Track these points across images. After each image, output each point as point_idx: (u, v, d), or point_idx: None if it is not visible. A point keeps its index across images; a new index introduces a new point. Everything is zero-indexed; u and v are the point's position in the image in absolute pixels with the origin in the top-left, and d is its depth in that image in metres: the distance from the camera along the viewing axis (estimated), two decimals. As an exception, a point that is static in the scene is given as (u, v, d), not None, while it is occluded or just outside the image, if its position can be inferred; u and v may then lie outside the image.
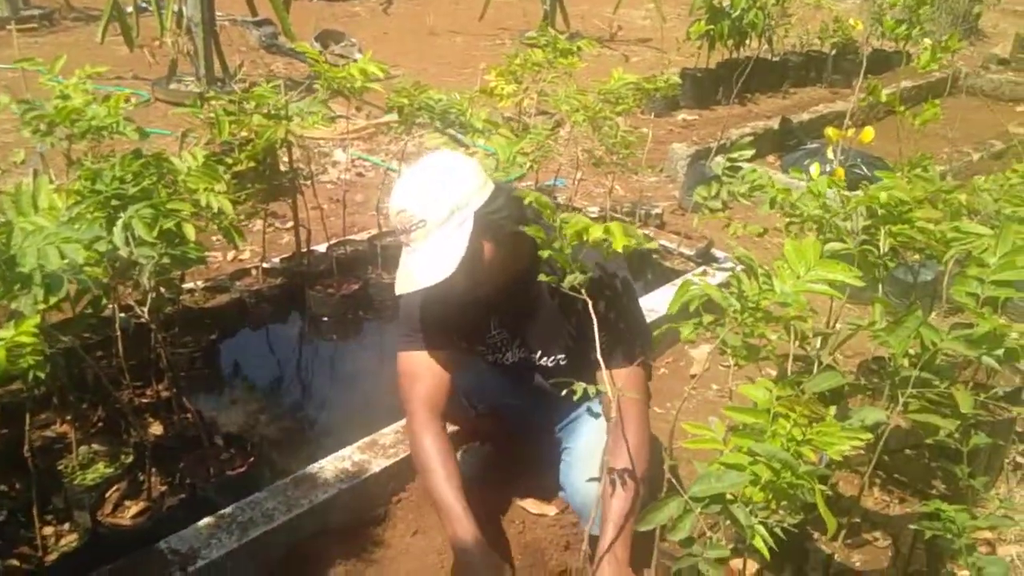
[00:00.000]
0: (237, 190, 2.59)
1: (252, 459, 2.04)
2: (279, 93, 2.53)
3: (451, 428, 2.01)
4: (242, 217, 2.69)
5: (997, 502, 1.96)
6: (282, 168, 2.86)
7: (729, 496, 1.14)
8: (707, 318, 1.52)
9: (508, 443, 2.20)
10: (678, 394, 2.77)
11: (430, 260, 1.57)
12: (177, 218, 1.86)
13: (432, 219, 1.55)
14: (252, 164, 2.45)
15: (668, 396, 2.77)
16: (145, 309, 1.81)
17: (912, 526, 1.56)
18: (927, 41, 3.74)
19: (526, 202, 1.58)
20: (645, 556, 1.52)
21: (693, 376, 2.86)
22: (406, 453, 2.11)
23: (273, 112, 2.52)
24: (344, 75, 2.39)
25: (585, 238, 1.40)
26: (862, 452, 1.87)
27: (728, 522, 1.15)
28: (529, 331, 1.89)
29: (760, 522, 1.13)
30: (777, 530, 1.14)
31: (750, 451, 1.11)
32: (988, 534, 2.07)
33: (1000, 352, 1.67)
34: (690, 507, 1.09)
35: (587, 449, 1.89)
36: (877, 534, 1.84)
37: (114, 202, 1.77)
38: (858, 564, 1.76)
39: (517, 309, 1.85)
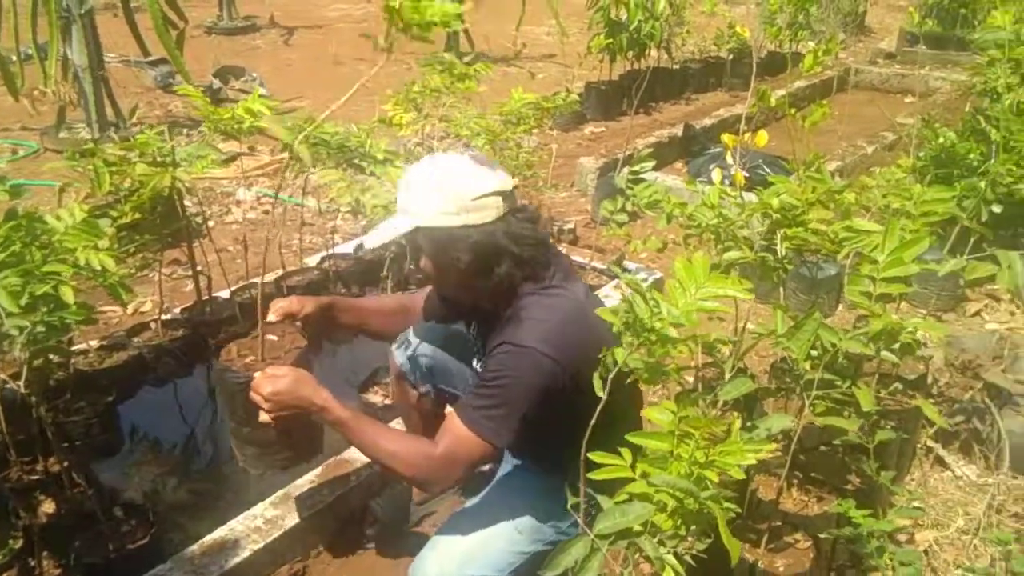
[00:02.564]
0: (127, 243, 2.47)
1: (154, 528, 1.92)
2: (164, 139, 2.43)
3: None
4: (133, 270, 2.57)
5: (908, 493, 2.00)
6: (184, 212, 2.75)
7: (637, 527, 1.11)
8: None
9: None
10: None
11: (376, 231, 1.68)
12: (55, 281, 1.75)
13: (399, 203, 1.63)
14: (139, 216, 2.34)
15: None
16: (21, 383, 1.68)
17: (828, 532, 1.57)
18: (811, 44, 3.86)
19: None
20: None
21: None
22: (323, 504, 2.03)
23: (159, 159, 2.41)
24: (229, 116, 2.31)
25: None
26: (779, 454, 1.89)
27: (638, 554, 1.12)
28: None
29: (670, 551, 1.10)
30: (687, 558, 1.12)
31: (650, 483, 1.09)
32: (907, 521, 2.11)
33: (896, 346, 1.71)
34: (597, 546, 1.05)
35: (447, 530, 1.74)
36: (798, 536, 1.84)
37: (-21, 270, 1.66)
38: (782, 569, 1.76)
39: (487, 328, 1.77)
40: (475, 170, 1.59)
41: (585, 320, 1.62)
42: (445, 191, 1.56)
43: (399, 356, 2.10)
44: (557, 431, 1.60)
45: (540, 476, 1.79)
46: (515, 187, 1.67)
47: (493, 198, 1.58)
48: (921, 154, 3.75)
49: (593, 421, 1.23)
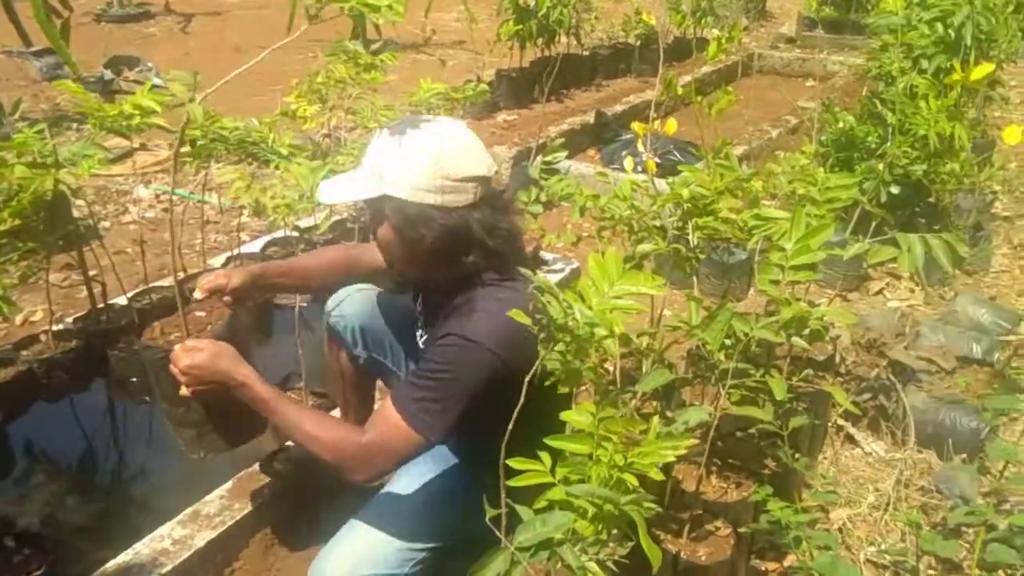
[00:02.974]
0: (8, 251, 2.30)
1: (52, 557, 1.80)
2: (45, 137, 2.26)
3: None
4: (16, 280, 2.39)
5: (820, 478, 2.05)
6: (71, 216, 2.58)
7: (558, 536, 1.09)
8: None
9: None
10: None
11: (336, 186, 1.57)
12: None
13: (366, 161, 1.52)
14: (19, 222, 2.18)
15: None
16: None
17: (742, 529, 1.59)
18: (715, 32, 3.93)
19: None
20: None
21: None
22: (234, 520, 1.95)
23: (40, 160, 2.25)
24: (116, 113, 2.16)
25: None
26: (697, 442, 1.91)
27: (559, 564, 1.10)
28: (432, 332, 1.72)
29: (592, 559, 1.08)
30: (610, 563, 1.10)
31: (568, 492, 1.06)
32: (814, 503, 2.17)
33: (806, 332, 1.74)
34: (517, 559, 1.02)
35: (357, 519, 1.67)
36: (719, 523, 1.86)
37: None
38: (704, 557, 1.78)
39: (435, 304, 1.70)
40: (464, 147, 1.50)
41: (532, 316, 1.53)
42: (424, 163, 1.45)
43: (335, 316, 1.99)
44: (487, 427, 1.50)
45: (458, 470, 1.75)
46: (497, 172, 1.57)
47: (473, 183, 1.49)
48: (823, 138, 3.86)
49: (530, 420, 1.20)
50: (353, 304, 1.98)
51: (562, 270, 3.34)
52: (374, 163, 1.50)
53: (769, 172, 2.38)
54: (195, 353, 1.52)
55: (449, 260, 1.53)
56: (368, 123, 3.01)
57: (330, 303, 2.00)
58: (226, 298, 1.76)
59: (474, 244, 1.52)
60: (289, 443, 2.05)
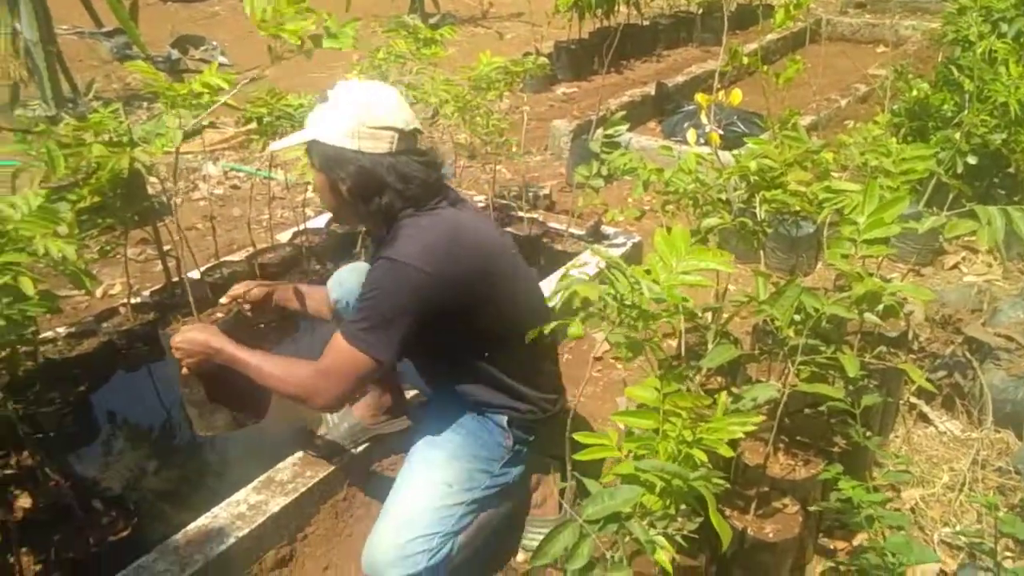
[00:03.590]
0: (88, 227, 2.39)
1: (136, 519, 1.89)
2: (119, 117, 2.33)
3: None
4: (96, 255, 2.48)
5: (892, 458, 2.00)
6: (146, 192, 2.66)
7: (626, 511, 1.09)
8: (594, 312, 1.47)
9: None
10: (583, 379, 2.74)
11: (284, 139, 1.89)
12: (12, 272, 1.68)
13: (307, 119, 1.76)
14: (97, 199, 2.25)
15: (575, 382, 2.73)
16: (-16, 379, 1.63)
17: (817, 505, 1.56)
18: (783, -2, 3.79)
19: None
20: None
21: (598, 359, 2.84)
22: (306, 487, 2.00)
23: (116, 139, 2.32)
24: (186, 92, 2.22)
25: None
26: (765, 418, 1.88)
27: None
28: None
29: (660, 533, 1.08)
30: (678, 538, 1.11)
31: (638, 468, 1.06)
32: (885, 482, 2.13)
33: (880, 308, 1.69)
34: (586, 531, 1.03)
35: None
36: (786, 500, 1.84)
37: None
38: (771, 534, 1.76)
39: (375, 248, 1.88)
40: (382, 102, 1.70)
41: (467, 236, 1.72)
42: (346, 113, 1.67)
43: (337, 300, 2.11)
44: (461, 354, 1.77)
45: (461, 420, 1.86)
46: (416, 131, 1.76)
47: (389, 132, 1.68)
48: (895, 107, 3.72)
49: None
50: (345, 283, 2.11)
51: (624, 244, 3.32)
52: (310, 118, 1.75)
53: (840, 143, 2.31)
54: (185, 332, 1.81)
55: (365, 201, 1.72)
56: (429, 98, 3.01)
57: (332, 292, 2.13)
58: (246, 306, 2.07)
59: (387, 187, 1.70)
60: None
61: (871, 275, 1.69)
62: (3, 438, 2.00)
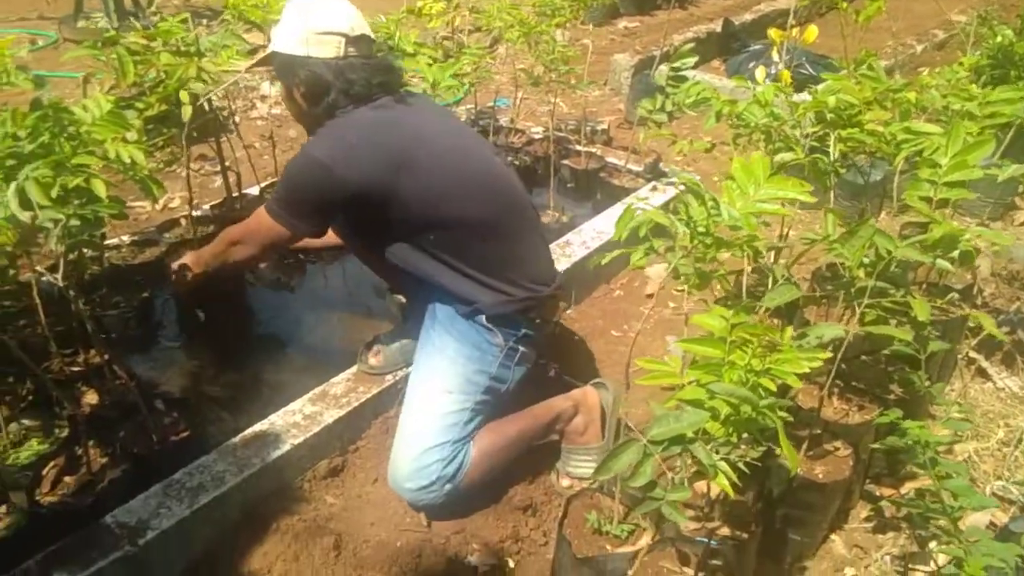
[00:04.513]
0: (153, 136, 2.42)
1: (197, 421, 1.95)
2: (187, 27, 2.33)
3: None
4: (161, 165, 2.52)
5: (955, 405, 1.97)
6: (210, 105, 2.67)
7: (690, 434, 1.09)
8: (658, 243, 1.45)
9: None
10: (634, 315, 2.74)
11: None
12: (85, 173, 1.71)
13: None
14: (165, 107, 2.27)
15: (624, 317, 2.73)
16: (59, 275, 1.67)
17: (874, 445, 1.55)
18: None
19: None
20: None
21: (649, 296, 2.82)
22: (359, 402, 2.05)
23: (183, 48, 2.32)
24: (254, 4, 2.20)
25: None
26: (831, 355, 1.86)
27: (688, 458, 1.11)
28: None
29: (722, 458, 1.08)
30: (740, 464, 1.10)
31: (707, 389, 1.06)
32: (945, 431, 2.10)
33: (955, 255, 1.64)
34: (649, 451, 1.03)
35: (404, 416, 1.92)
36: (838, 443, 1.84)
37: (9, 162, 1.62)
38: (821, 475, 1.76)
39: None
40: (332, 11, 1.85)
41: (386, 129, 1.83)
42: (295, 22, 1.84)
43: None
44: (407, 245, 1.88)
45: (450, 322, 1.91)
46: (365, 36, 1.89)
47: (335, 37, 1.83)
48: (977, 53, 3.55)
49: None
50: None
51: (681, 183, 3.25)
52: (272, 33, 1.92)
53: (923, 84, 2.21)
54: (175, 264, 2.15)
55: (315, 103, 1.88)
56: (493, 22, 2.96)
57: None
58: None
59: (332, 88, 1.84)
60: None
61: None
62: (72, 336, 2.07)
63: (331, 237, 2.21)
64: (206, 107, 2.64)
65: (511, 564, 1.81)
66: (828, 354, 1.30)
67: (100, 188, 1.71)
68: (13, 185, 1.47)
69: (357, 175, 1.77)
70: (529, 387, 2.14)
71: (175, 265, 2.15)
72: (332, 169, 1.75)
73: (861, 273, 1.57)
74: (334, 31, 1.83)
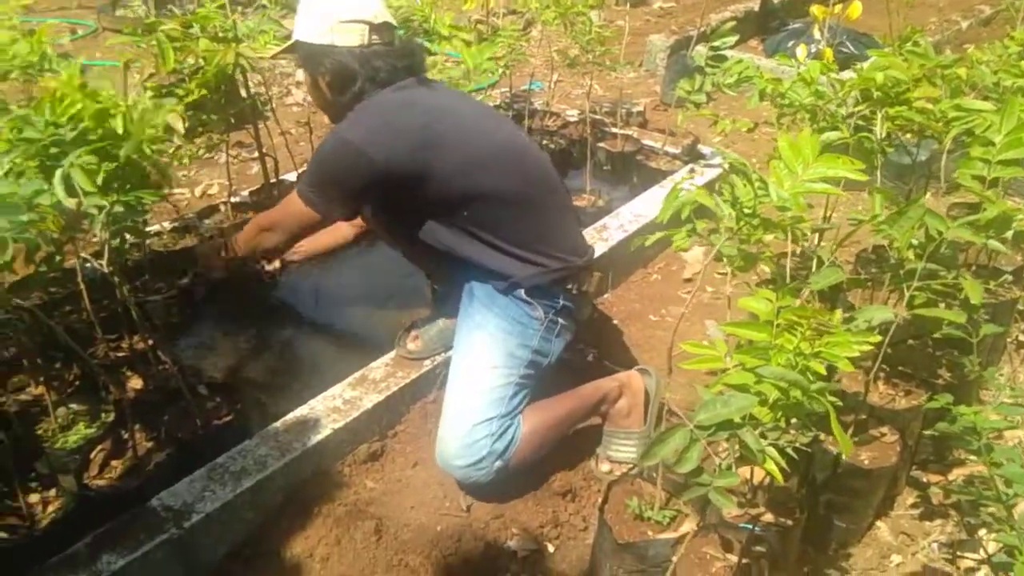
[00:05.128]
0: (193, 122, 2.43)
1: (239, 406, 1.97)
2: (225, 13, 2.34)
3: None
4: (202, 151, 2.54)
5: (1006, 389, 1.92)
6: (241, 93, 2.69)
7: (737, 420, 1.07)
8: (700, 224, 1.43)
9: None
10: (672, 299, 2.71)
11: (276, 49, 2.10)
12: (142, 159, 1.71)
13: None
14: (204, 92, 2.28)
15: (662, 302, 2.71)
16: (103, 261, 1.69)
17: (925, 431, 1.51)
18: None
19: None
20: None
21: (687, 280, 2.79)
22: (398, 386, 2.05)
23: (221, 34, 2.33)
24: (292, -12, 2.20)
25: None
26: (880, 338, 1.82)
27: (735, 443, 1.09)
28: None
29: (770, 444, 1.06)
30: (789, 450, 1.08)
31: (756, 373, 1.04)
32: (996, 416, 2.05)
33: (1008, 235, 1.59)
34: (696, 436, 1.02)
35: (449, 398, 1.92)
36: (884, 429, 1.80)
37: (52, 150, 1.63)
38: (866, 461, 1.73)
39: None
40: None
41: (416, 109, 1.83)
42: (318, 12, 1.86)
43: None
44: (439, 223, 1.87)
45: (488, 297, 1.90)
46: (388, 24, 1.90)
47: (359, 25, 1.84)
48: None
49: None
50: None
51: (720, 165, 3.21)
52: (295, 22, 1.92)
53: (972, 60, 2.14)
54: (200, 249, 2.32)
55: (341, 92, 1.89)
56: (528, 4, 2.93)
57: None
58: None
59: (357, 76, 1.85)
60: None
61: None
62: (117, 322, 2.10)
63: (338, 235, 2.35)
64: (243, 93, 2.66)
65: (551, 549, 1.80)
66: (879, 337, 1.27)
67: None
68: (59, 172, 1.48)
69: (390, 155, 1.77)
70: (568, 372, 2.13)
71: (208, 250, 2.25)
72: (365, 151, 1.76)
73: (911, 255, 1.53)
74: (358, 19, 1.85)
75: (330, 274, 2.75)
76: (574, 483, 1.96)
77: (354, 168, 1.79)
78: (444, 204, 1.86)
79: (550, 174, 1.98)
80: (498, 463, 1.81)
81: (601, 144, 3.39)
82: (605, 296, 2.70)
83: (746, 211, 1.19)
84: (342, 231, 2.50)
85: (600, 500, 1.60)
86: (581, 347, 2.32)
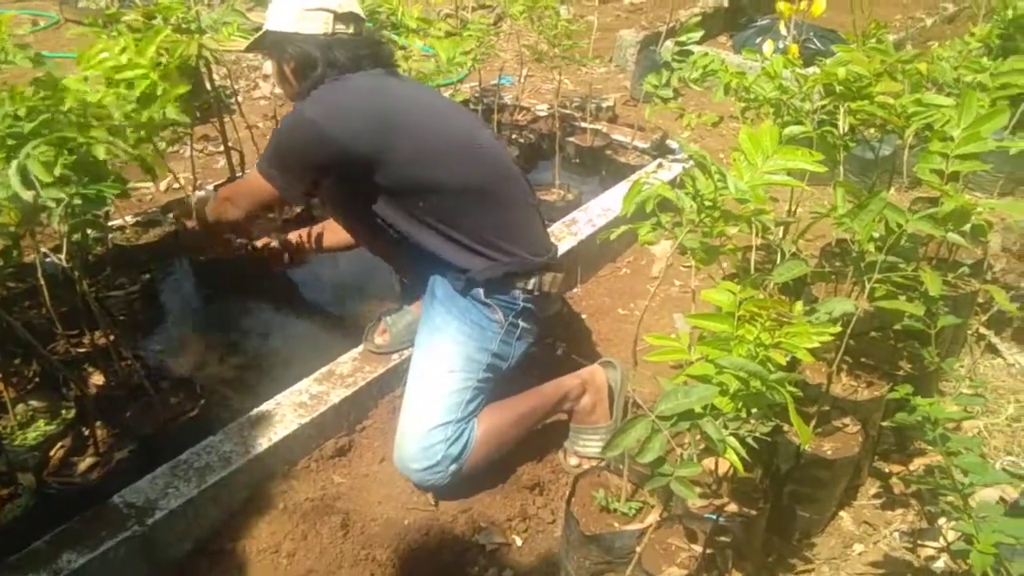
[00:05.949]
0: (155, 115, 2.39)
1: (203, 401, 1.95)
2: (188, 4, 2.30)
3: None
4: (164, 144, 2.50)
5: (966, 380, 1.95)
6: (206, 86, 2.65)
7: (698, 410, 1.08)
8: (665, 217, 1.43)
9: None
10: (640, 293, 2.72)
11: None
12: (91, 141, 1.68)
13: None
14: (167, 86, 2.24)
15: (631, 296, 2.72)
16: (62, 256, 1.66)
17: (892, 420, 1.53)
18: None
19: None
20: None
21: (655, 278, 2.80)
22: (365, 381, 2.04)
23: (183, 25, 2.30)
24: (255, -21, 2.18)
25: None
26: (841, 329, 1.84)
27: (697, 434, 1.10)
28: None
29: (731, 433, 1.07)
30: (750, 440, 1.09)
31: (716, 364, 1.04)
32: (955, 407, 2.09)
33: (967, 228, 1.62)
34: (658, 427, 1.02)
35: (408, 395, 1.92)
36: (847, 420, 1.82)
37: (10, 142, 1.60)
38: (829, 452, 1.75)
39: None
40: None
41: (375, 94, 1.86)
42: (286, 1, 1.91)
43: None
44: (397, 210, 1.87)
45: (449, 299, 1.90)
46: (353, 14, 1.93)
47: (323, 13, 1.89)
48: (988, 25, 3.50)
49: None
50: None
51: (687, 160, 3.23)
52: (267, 13, 1.97)
53: (933, 56, 2.18)
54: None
55: (304, 78, 1.92)
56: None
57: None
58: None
59: (319, 63, 1.89)
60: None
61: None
62: (77, 317, 2.06)
63: (338, 238, 2.30)
64: (208, 86, 2.63)
65: (519, 542, 1.80)
66: (839, 328, 1.28)
67: (100, 151, 1.68)
68: (14, 163, 1.45)
69: (347, 133, 1.78)
70: (536, 367, 2.13)
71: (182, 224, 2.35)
72: (322, 127, 1.78)
73: (871, 247, 1.55)
74: (322, 7, 1.89)
75: (299, 268, 2.73)
76: (542, 476, 1.97)
77: (311, 144, 1.81)
78: (400, 193, 1.86)
79: (511, 171, 1.97)
80: (453, 467, 1.81)
81: (571, 139, 3.39)
82: (574, 290, 2.71)
83: (707, 204, 1.19)
84: None
85: (567, 493, 1.61)
86: (550, 341, 2.33)
